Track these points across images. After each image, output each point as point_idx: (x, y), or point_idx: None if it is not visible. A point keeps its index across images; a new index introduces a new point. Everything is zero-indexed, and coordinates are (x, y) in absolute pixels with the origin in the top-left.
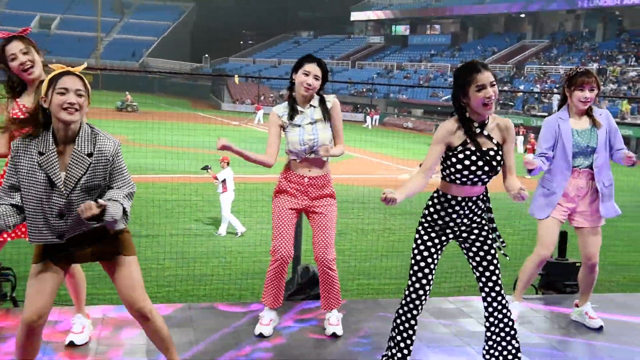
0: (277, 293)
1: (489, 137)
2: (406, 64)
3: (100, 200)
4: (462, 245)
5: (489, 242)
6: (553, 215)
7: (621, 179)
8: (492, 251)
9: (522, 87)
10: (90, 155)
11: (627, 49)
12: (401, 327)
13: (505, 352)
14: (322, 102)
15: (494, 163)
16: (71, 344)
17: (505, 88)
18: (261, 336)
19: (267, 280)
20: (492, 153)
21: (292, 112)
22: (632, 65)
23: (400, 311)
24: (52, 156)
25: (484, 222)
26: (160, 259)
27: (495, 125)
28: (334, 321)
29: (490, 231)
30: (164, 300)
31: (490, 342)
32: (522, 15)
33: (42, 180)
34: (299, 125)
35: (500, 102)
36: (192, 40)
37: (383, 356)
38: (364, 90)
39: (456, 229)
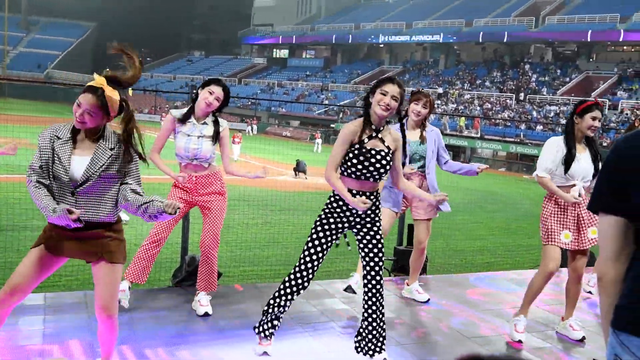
0: (145, 270)
1: (382, 141)
2: (285, 82)
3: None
4: (356, 236)
5: (377, 236)
6: (393, 210)
7: (459, 180)
8: (380, 245)
9: None
10: (112, 149)
11: (463, 77)
12: (283, 297)
13: (377, 320)
14: (216, 123)
15: (384, 162)
16: None
17: None
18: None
19: (139, 255)
20: (382, 154)
21: (185, 120)
22: (467, 90)
23: (287, 282)
24: (67, 143)
25: (376, 218)
26: None
27: (388, 133)
28: (204, 302)
29: (380, 227)
30: (64, 289)
31: (365, 315)
32: (381, 46)
33: (57, 162)
34: (188, 135)
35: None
36: (94, 55)
37: (260, 323)
38: (249, 103)
39: (352, 219)
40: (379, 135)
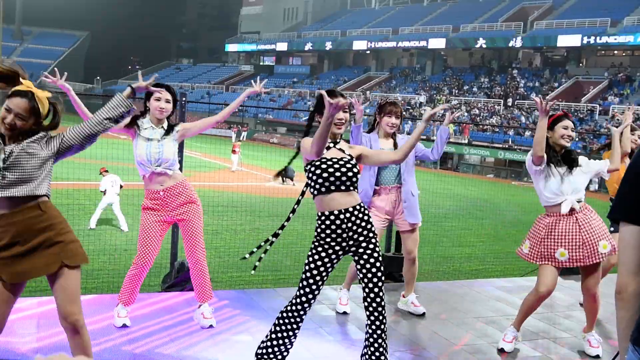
0: (133, 293)
1: (341, 150)
2: (272, 89)
3: None
4: (354, 258)
5: (375, 255)
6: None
7: (448, 187)
8: (377, 264)
9: (367, 111)
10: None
11: (450, 82)
12: (287, 326)
13: (382, 337)
14: (170, 126)
15: (349, 165)
16: None
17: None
18: (124, 326)
19: (126, 281)
20: (345, 160)
21: (141, 118)
22: (454, 95)
23: (289, 313)
24: None
25: (370, 234)
26: None
27: (347, 145)
28: (208, 315)
29: (376, 243)
30: (45, 294)
31: (370, 331)
32: (368, 52)
33: None
34: (149, 139)
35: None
36: (86, 64)
37: (261, 347)
38: (237, 110)
39: (344, 244)
40: (336, 146)
